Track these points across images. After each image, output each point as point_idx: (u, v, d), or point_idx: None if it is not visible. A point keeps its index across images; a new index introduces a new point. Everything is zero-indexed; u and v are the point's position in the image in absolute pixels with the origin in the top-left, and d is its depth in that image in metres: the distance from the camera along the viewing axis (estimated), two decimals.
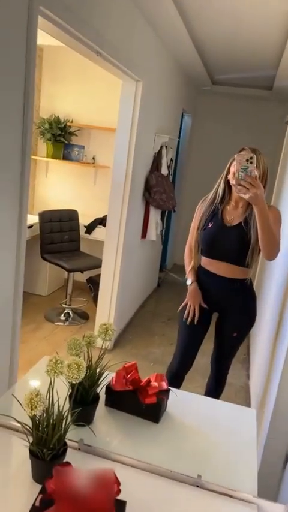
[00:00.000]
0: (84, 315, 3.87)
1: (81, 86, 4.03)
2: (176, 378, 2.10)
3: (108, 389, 1.25)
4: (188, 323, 1.99)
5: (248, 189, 1.59)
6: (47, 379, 1.02)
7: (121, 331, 3.56)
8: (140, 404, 1.22)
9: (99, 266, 3.51)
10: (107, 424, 1.22)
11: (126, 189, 2.97)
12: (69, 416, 0.97)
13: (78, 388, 1.10)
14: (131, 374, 1.25)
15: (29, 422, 0.95)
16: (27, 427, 0.95)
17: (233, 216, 1.89)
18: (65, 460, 0.96)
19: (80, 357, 1.10)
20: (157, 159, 3.50)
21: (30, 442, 0.96)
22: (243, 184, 1.59)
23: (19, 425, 1.08)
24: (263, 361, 2.62)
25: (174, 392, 1.29)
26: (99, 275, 4.07)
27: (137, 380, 1.25)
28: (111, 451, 1.08)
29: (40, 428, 0.95)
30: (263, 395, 2.21)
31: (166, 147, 3.66)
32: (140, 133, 2.93)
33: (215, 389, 2.18)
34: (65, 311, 3.76)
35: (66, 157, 4.16)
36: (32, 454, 0.94)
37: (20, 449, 1.05)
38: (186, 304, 2.05)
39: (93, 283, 4.13)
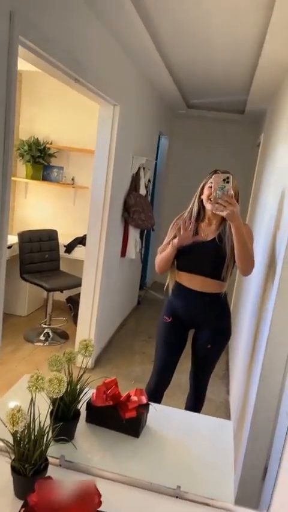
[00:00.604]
0: (64, 334, 3.86)
1: (60, 109, 4.12)
2: (154, 395, 2.13)
3: (89, 405, 1.27)
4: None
5: (225, 206, 1.72)
6: (28, 398, 1.04)
7: (101, 351, 3.56)
8: (120, 419, 1.25)
9: (79, 285, 3.53)
10: (88, 440, 1.24)
11: (105, 209, 3.03)
12: (50, 432, 0.99)
13: (59, 404, 1.13)
14: (111, 389, 1.28)
15: (10, 439, 0.97)
16: (9, 444, 0.96)
17: (207, 232, 1.98)
18: (46, 475, 0.98)
19: (60, 373, 1.13)
20: (135, 179, 3.59)
21: (12, 458, 0.97)
22: (220, 202, 1.72)
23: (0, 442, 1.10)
24: (241, 376, 2.67)
25: (153, 407, 1.32)
26: (79, 294, 4.09)
27: (117, 395, 1.28)
28: (93, 466, 1.10)
29: (22, 444, 0.97)
30: (242, 409, 2.26)
31: (144, 168, 3.76)
32: (118, 155, 3.02)
33: (194, 406, 2.22)
34: (45, 331, 3.74)
35: (45, 178, 4.21)
36: (14, 470, 0.96)
37: (1, 466, 1.06)
38: (164, 320, 2.11)
39: (73, 303, 4.13)
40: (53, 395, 0.94)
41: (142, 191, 3.70)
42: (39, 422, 0.99)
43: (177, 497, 1.04)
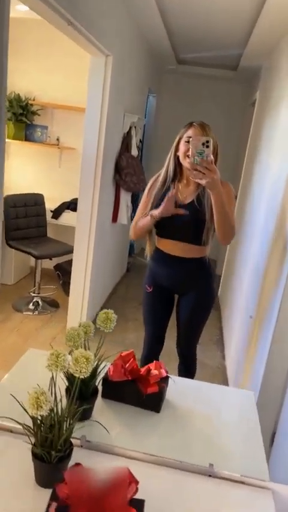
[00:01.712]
0: (54, 303, 3.74)
1: (42, 62, 3.81)
2: (149, 363, 2.03)
3: (106, 380, 1.18)
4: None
5: (204, 174, 1.53)
6: (36, 375, 0.94)
7: (94, 317, 3.47)
8: (139, 394, 1.16)
9: (70, 252, 3.39)
10: (106, 417, 1.15)
11: (98, 171, 2.85)
12: (74, 414, 0.89)
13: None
14: (129, 363, 1.18)
15: (27, 421, 0.87)
16: (30, 428, 0.86)
17: (185, 194, 1.83)
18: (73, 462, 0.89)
19: (77, 348, 1.02)
20: (127, 139, 3.39)
21: (32, 443, 0.88)
22: (199, 169, 1.53)
23: (13, 426, 0.99)
24: (240, 341, 2.64)
25: (172, 380, 1.24)
26: (67, 261, 3.94)
27: (136, 369, 1.19)
28: (116, 446, 1.01)
29: (43, 429, 0.86)
30: (245, 375, 2.22)
31: (135, 127, 3.55)
32: (110, 112, 2.81)
33: (185, 376, 2.10)
34: (34, 300, 3.61)
35: (28, 138, 3.94)
36: (36, 457, 0.86)
37: (15, 451, 0.96)
38: (146, 290, 2.00)
39: (62, 270, 3.99)
40: (81, 375, 0.83)
41: (134, 152, 3.51)
42: (61, 405, 0.88)
43: (210, 475, 0.98)
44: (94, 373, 1.07)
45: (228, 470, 0.99)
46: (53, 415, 0.85)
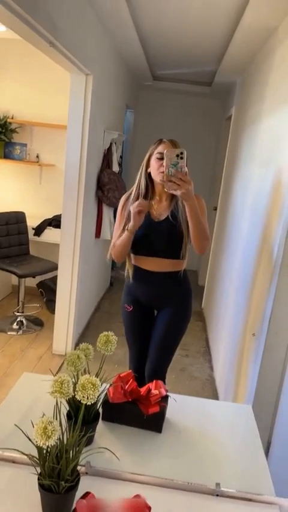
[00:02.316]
0: (39, 321, 3.69)
1: (21, 80, 3.81)
2: (137, 379, 1.97)
3: (106, 402, 1.16)
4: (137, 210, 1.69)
5: (179, 185, 1.54)
6: (34, 400, 0.92)
7: (80, 336, 3.44)
8: (140, 415, 1.15)
9: (53, 269, 3.35)
10: (108, 440, 1.14)
11: (81, 187, 2.85)
12: (81, 441, 0.87)
13: (79, 407, 1.01)
14: (128, 384, 1.17)
15: (31, 450, 0.85)
16: (35, 459, 0.84)
17: (159, 210, 1.81)
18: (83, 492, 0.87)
19: (78, 372, 1.01)
20: (107, 156, 3.41)
21: (39, 473, 0.85)
22: (174, 180, 1.53)
23: (16, 456, 0.97)
24: (228, 353, 2.66)
25: (173, 398, 1.24)
26: (50, 279, 3.90)
27: (136, 390, 1.18)
28: (123, 471, 1.00)
29: (49, 458, 0.85)
30: (236, 387, 2.24)
31: (115, 143, 3.58)
32: (91, 129, 2.83)
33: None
34: (18, 319, 3.55)
35: (7, 156, 3.91)
36: (43, 488, 0.84)
37: (19, 483, 0.94)
38: (125, 309, 1.95)
39: (45, 288, 3.94)
40: (88, 401, 0.82)
41: (115, 168, 3.53)
42: (68, 433, 0.87)
43: (217, 495, 0.97)
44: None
45: (235, 488, 0.99)
46: (59, 443, 0.84)
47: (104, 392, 1.14)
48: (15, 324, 3.52)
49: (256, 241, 2.19)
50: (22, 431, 0.85)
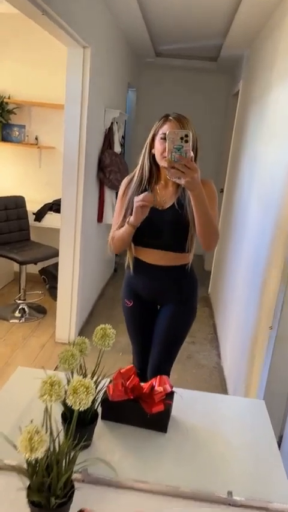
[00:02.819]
0: (41, 309, 3.60)
1: (17, 58, 3.64)
2: (141, 373, 1.81)
3: (105, 401, 1.06)
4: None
5: (183, 172, 1.32)
6: (27, 398, 0.82)
7: (83, 323, 3.35)
8: (143, 413, 1.05)
9: (55, 255, 3.25)
10: (107, 442, 1.04)
11: (81, 169, 2.71)
12: (75, 449, 0.77)
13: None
14: (130, 380, 1.07)
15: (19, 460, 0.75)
16: (24, 471, 0.74)
17: (164, 197, 1.60)
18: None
19: (73, 370, 0.90)
20: (109, 136, 3.26)
21: (27, 485, 0.76)
22: (177, 167, 1.32)
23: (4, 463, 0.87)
24: (237, 341, 2.55)
25: (179, 395, 1.13)
26: (53, 265, 3.80)
27: (138, 386, 1.08)
28: (123, 477, 0.90)
29: (38, 470, 0.74)
30: (246, 378, 2.13)
31: (117, 122, 3.42)
32: (90, 107, 2.68)
33: None
34: (20, 307, 3.46)
35: (5, 139, 3.77)
36: (33, 503, 0.74)
37: (8, 492, 0.84)
38: (125, 304, 1.78)
39: (47, 274, 3.85)
40: (81, 407, 0.71)
41: (117, 149, 3.38)
42: (59, 441, 0.76)
43: (229, 504, 0.87)
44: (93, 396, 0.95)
45: (248, 494, 0.89)
46: (49, 454, 0.73)
47: (104, 390, 1.04)
48: (17, 311, 3.44)
49: (269, 226, 2.05)
50: (8, 440, 0.75)
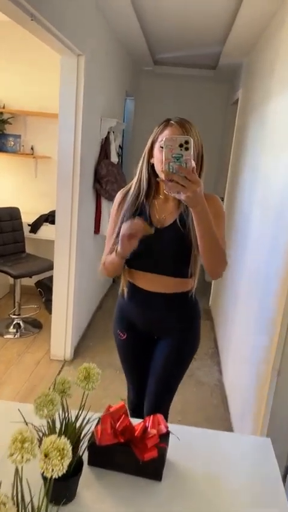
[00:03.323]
0: (37, 323, 3.49)
1: (12, 67, 3.56)
2: (138, 409, 1.67)
3: (93, 445, 0.95)
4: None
5: (183, 186, 1.10)
6: (4, 440, 0.70)
7: (80, 337, 3.24)
8: (135, 459, 0.94)
9: (50, 268, 3.14)
10: (94, 492, 0.93)
11: (76, 180, 2.62)
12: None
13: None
14: (120, 422, 0.96)
15: None
16: None
17: (163, 213, 1.39)
18: None
19: (52, 417, 0.79)
20: (105, 145, 3.17)
21: None
22: (176, 179, 1.10)
23: None
24: (241, 358, 2.44)
25: (176, 436, 1.02)
26: (49, 277, 3.69)
27: (129, 428, 0.97)
28: None
29: None
30: (257, 399, 2.01)
31: (114, 132, 3.34)
32: (85, 116, 2.59)
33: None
34: (15, 322, 3.35)
35: (0, 149, 3.69)
36: None
37: None
38: (118, 336, 1.58)
39: (44, 287, 3.74)
40: (55, 474, 0.60)
41: (114, 158, 3.29)
42: (32, 506, 0.65)
43: None
44: (74, 442, 0.84)
45: None
46: None
47: (90, 434, 0.92)
48: (11, 327, 3.33)
49: (270, 236, 1.95)
50: None
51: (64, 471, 0.61)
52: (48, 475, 0.60)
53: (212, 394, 2.79)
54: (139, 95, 4.93)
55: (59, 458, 0.60)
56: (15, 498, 0.64)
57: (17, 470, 0.65)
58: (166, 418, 1.57)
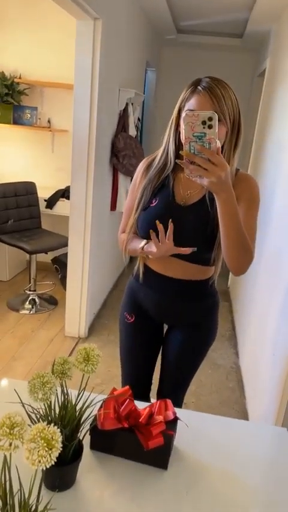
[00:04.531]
0: (53, 300, 3.47)
1: (28, 35, 3.44)
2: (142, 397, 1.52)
3: (95, 428, 0.89)
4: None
5: (206, 169, 0.96)
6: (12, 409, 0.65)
7: (95, 316, 3.20)
8: (139, 445, 0.88)
9: (66, 245, 3.09)
10: (96, 476, 0.87)
11: (91, 154, 2.52)
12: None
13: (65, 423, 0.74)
14: (124, 406, 0.89)
15: None
16: None
17: (189, 189, 1.24)
18: None
19: (50, 399, 0.73)
20: (123, 118, 3.05)
21: None
22: (197, 161, 0.96)
23: None
24: (257, 339, 2.35)
25: (184, 423, 0.95)
26: (65, 254, 3.64)
27: (135, 413, 0.90)
28: None
29: None
30: (276, 387, 1.93)
31: (132, 104, 3.21)
32: (102, 86, 2.47)
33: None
34: (30, 297, 3.34)
35: (16, 122, 3.61)
36: None
37: None
38: (125, 319, 1.47)
39: (60, 264, 3.70)
40: (41, 465, 0.54)
41: (132, 132, 3.17)
42: (23, 494, 0.60)
43: None
44: (74, 426, 0.78)
45: None
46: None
47: (92, 418, 0.87)
48: (27, 302, 3.32)
49: None
50: None
51: (53, 463, 0.55)
52: (35, 467, 0.54)
53: (227, 377, 2.72)
54: (161, 65, 4.73)
55: (46, 447, 0.54)
56: (2, 487, 0.58)
57: (5, 458, 0.59)
58: (180, 405, 1.50)
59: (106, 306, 3.45)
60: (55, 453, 0.55)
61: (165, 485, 0.87)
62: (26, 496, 0.60)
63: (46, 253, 3.33)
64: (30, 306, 3.30)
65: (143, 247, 1.23)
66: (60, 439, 0.56)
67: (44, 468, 0.54)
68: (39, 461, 0.54)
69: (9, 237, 3.16)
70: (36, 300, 3.35)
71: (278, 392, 1.65)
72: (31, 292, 3.34)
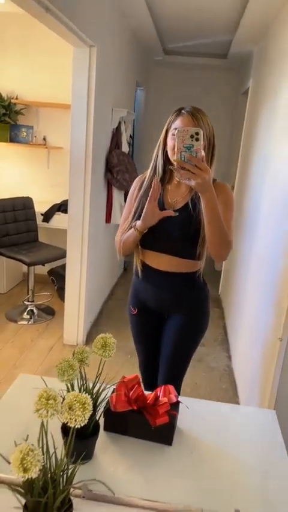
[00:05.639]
0: (50, 310, 3.58)
1: (24, 58, 3.62)
2: (149, 387, 1.67)
3: (108, 411, 1.02)
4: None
5: (193, 173, 1.22)
6: (29, 407, 0.77)
7: (92, 324, 3.32)
8: (147, 425, 1.01)
9: (63, 256, 3.23)
10: (110, 454, 1.00)
11: (88, 170, 2.68)
12: (73, 466, 0.73)
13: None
14: (133, 391, 1.03)
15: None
16: (20, 491, 0.70)
17: (175, 197, 1.50)
18: None
19: (72, 382, 0.87)
20: (116, 135, 3.22)
21: (24, 505, 0.72)
22: (187, 167, 1.23)
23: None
24: (248, 342, 2.50)
25: (185, 405, 1.09)
26: (61, 266, 3.78)
27: (142, 396, 1.04)
28: (124, 494, 0.86)
29: (35, 488, 0.71)
30: (262, 383, 2.08)
31: (124, 122, 3.38)
32: (97, 107, 2.64)
33: None
34: (28, 308, 3.45)
35: (13, 140, 3.76)
36: None
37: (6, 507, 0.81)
38: (130, 311, 1.70)
39: (56, 275, 3.83)
40: (77, 424, 0.68)
41: (124, 148, 3.34)
42: (56, 458, 0.73)
43: None
44: (94, 406, 0.92)
45: None
46: (45, 472, 0.70)
47: (106, 400, 1.00)
48: (25, 313, 3.42)
49: (280, 226, 1.99)
50: (3, 457, 0.71)
51: (86, 421, 0.68)
52: (72, 425, 0.68)
53: (221, 379, 2.85)
54: (149, 85, 4.95)
55: (81, 410, 0.68)
56: (40, 449, 0.71)
57: (42, 424, 0.72)
58: (179, 391, 1.64)
59: (102, 315, 3.57)
60: (87, 414, 0.68)
61: (170, 459, 1.00)
62: (59, 457, 0.73)
63: (43, 265, 3.45)
64: (28, 317, 3.41)
65: (135, 226, 1.46)
66: (91, 403, 0.69)
67: (79, 426, 0.68)
68: (76, 420, 0.67)
69: (8, 250, 3.28)
70: (34, 310, 3.46)
71: (266, 386, 1.79)
72: (29, 303, 3.45)
